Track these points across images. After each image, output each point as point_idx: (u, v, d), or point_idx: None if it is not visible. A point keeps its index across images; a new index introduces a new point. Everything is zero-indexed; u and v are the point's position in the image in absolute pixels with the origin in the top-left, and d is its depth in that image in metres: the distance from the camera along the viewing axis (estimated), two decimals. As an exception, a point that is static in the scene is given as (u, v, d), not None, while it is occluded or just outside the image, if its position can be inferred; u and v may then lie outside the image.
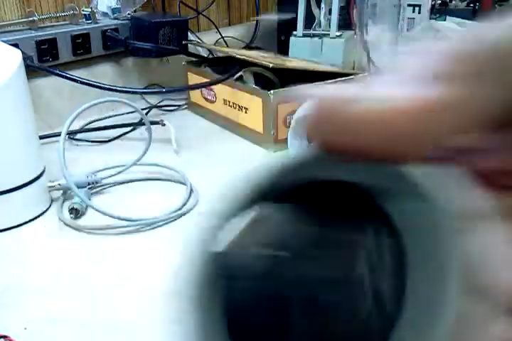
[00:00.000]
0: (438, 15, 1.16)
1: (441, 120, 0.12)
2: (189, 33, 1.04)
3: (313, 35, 0.99)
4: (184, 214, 0.61)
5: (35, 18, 0.85)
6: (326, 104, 0.13)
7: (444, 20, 1.13)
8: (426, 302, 0.14)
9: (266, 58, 0.86)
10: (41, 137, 0.76)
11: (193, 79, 0.94)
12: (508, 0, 1.25)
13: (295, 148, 0.74)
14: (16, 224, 0.59)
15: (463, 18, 1.11)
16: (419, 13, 1.04)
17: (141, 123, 0.86)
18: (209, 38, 1.14)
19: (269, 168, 0.14)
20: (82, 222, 0.59)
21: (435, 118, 0.12)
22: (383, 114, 0.12)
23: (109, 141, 0.84)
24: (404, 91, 0.13)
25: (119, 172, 0.69)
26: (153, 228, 0.58)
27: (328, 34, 0.99)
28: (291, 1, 1.05)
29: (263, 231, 0.16)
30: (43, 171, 0.62)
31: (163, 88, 0.92)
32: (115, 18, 0.98)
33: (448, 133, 0.13)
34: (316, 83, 0.79)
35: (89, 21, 0.93)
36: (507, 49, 0.12)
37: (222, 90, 0.87)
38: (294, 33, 1.01)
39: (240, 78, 0.84)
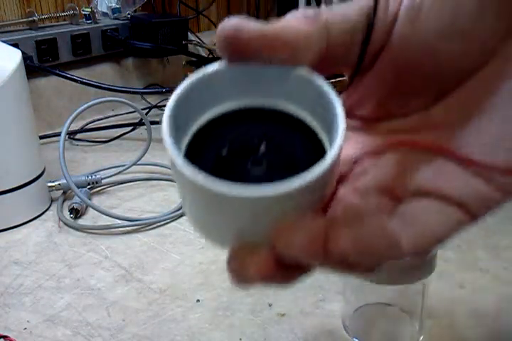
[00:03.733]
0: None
1: (309, 37, 0.21)
2: (189, 33, 1.04)
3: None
4: (184, 214, 0.61)
5: (35, 18, 0.85)
6: (232, 26, 0.20)
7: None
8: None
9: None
10: (41, 137, 0.76)
11: (193, 79, 0.94)
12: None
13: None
14: (15, 224, 0.59)
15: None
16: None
17: (141, 123, 0.86)
18: (209, 38, 1.14)
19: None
20: (82, 221, 0.59)
21: (305, 36, 0.20)
22: (272, 30, 0.20)
23: (109, 141, 0.84)
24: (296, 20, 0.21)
25: (119, 172, 0.69)
26: (153, 228, 0.58)
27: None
28: (291, 1, 1.05)
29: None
30: (43, 171, 0.62)
31: (163, 88, 0.92)
32: (115, 18, 0.98)
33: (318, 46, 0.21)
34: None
35: (89, 21, 0.93)
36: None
37: (222, 90, 0.87)
38: (294, 33, 1.01)
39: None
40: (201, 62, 0.98)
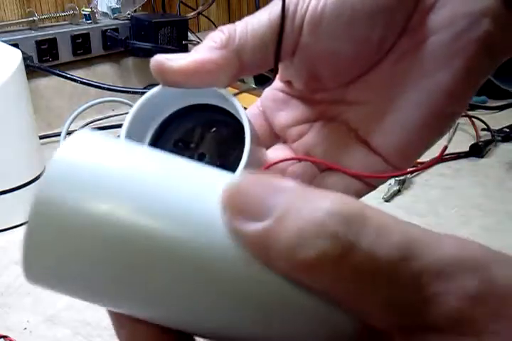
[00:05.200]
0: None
1: (221, 67, 0.26)
2: (189, 33, 1.04)
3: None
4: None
5: (35, 18, 0.86)
6: (158, 62, 0.25)
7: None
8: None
9: (266, 58, 0.86)
10: (41, 137, 0.76)
11: (193, 79, 0.94)
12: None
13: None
14: (16, 224, 0.59)
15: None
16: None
17: (141, 123, 0.86)
18: (209, 38, 1.14)
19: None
20: (82, 221, 0.59)
21: (217, 67, 0.26)
22: (189, 66, 0.25)
23: (109, 141, 0.84)
24: (201, 54, 0.26)
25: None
26: (153, 228, 0.58)
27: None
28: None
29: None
30: (43, 171, 0.62)
31: (163, 88, 0.92)
32: (115, 18, 0.98)
33: (228, 73, 0.26)
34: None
35: (89, 21, 0.93)
36: None
37: (222, 90, 0.87)
38: (294, 33, 1.01)
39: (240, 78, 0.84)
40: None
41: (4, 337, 0.41)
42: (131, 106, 0.68)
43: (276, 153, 0.31)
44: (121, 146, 0.18)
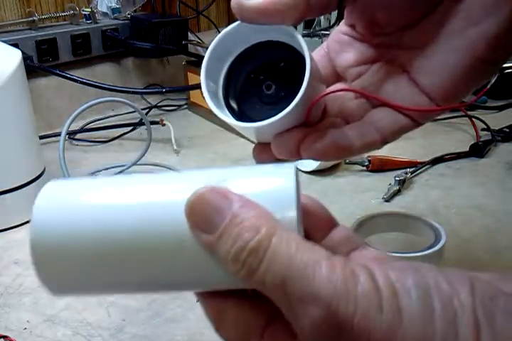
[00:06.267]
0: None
1: (289, 7, 0.30)
2: (189, 33, 1.04)
3: (313, 35, 0.99)
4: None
5: (35, 18, 0.86)
6: (237, 1, 0.30)
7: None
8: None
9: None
10: (41, 137, 0.76)
11: (193, 79, 0.94)
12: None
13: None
14: (15, 224, 0.59)
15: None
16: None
17: (141, 123, 0.86)
18: (209, 38, 1.14)
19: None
20: (82, 221, 0.59)
21: (286, 7, 0.30)
22: (262, 4, 0.29)
23: (109, 141, 0.84)
24: None
25: (119, 173, 0.69)
26: (153, 228, 0.58)
27: (328, 34, 0.99)
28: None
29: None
30: (43, 171, 0.62)
31: (163, 88, 0.92)
32: (115, 18, 0.98)
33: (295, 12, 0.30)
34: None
35: (89, 21, 0.93)
36: None
37: (222, 90, 0.87)
38: (294, 32, 1.01)
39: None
40: (201, 62, 0.98)
41: (4, 337, 0.41)
42: (131, 106, 0.68)
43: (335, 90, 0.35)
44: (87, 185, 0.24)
